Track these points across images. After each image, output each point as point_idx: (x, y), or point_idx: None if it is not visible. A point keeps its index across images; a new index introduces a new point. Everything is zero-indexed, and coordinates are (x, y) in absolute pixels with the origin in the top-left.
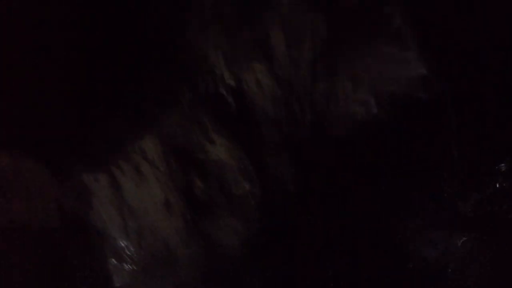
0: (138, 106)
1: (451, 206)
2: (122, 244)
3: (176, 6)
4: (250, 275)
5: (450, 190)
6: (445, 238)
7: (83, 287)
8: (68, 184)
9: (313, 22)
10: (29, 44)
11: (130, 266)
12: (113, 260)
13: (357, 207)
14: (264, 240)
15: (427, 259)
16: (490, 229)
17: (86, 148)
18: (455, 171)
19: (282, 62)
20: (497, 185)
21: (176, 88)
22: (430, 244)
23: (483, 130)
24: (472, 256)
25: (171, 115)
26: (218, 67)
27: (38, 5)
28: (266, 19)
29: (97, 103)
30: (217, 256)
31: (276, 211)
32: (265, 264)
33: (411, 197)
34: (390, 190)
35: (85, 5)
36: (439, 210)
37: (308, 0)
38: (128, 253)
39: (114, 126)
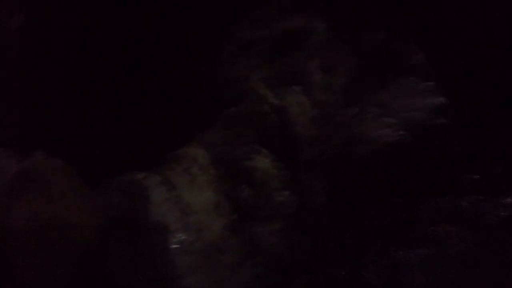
0: (185, 117)
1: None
2: (182, 236)
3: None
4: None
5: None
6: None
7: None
8: (114, 182)
9: (344, 53)
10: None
11: (189, 255)
12: (174, 249)
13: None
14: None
15: None
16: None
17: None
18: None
19: (318, 86)
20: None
21: (220, 103)
22: None
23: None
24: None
25: (216, 127)
26: (261, 88)
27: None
28: (303, 48)
29: (149, 113)
30: (260, 250)
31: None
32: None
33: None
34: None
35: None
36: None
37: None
38: (188, 243)
39: (163, 132)
